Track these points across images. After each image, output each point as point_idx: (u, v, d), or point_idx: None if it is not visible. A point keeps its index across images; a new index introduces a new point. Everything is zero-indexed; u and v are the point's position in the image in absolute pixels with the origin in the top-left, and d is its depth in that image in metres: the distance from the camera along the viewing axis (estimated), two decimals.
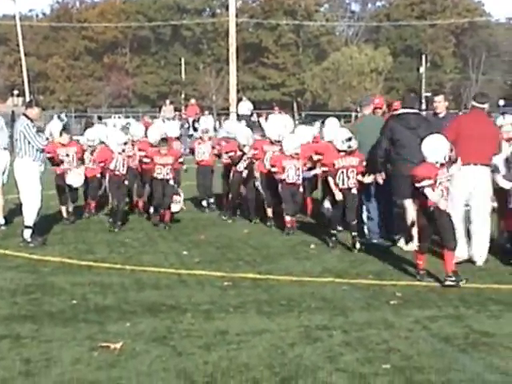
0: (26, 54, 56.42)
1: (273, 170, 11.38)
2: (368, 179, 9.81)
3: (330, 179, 9.96)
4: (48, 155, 11.47)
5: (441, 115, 10.17)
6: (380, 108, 11.11)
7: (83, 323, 6.72)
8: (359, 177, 9.90)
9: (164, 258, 10.02)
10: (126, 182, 12.18)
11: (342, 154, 9.86)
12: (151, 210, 12.52)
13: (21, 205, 10.96)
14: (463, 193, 8.74)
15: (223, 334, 6.45)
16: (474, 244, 9.09)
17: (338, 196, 9.83)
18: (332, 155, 10.36)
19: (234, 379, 5.30)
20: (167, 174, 11.75)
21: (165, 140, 12.42)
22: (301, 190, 11.39)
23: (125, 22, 77.37)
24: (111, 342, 6.00)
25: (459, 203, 8.69)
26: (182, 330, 6.52)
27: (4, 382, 5.07)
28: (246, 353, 5.92)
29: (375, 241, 10.32)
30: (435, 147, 7.70)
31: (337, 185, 9.86)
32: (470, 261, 9.20)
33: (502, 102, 48.78)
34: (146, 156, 12.22)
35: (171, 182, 11.74)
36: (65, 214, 12.31)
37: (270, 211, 12.01)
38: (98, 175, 12.58)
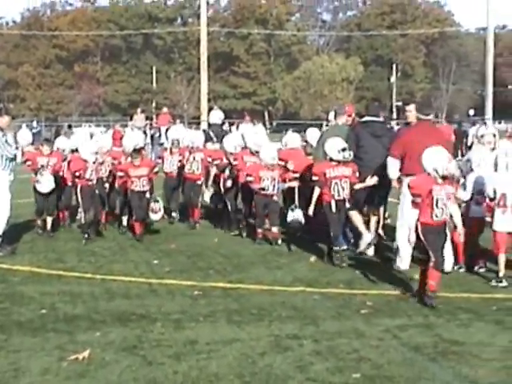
0: None
1: (248, 179, 11.44)
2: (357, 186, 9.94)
3: (317, 189, 9.94)
4: (28, 163, 11.87)
5: (412, 124, 10.33)
6: (350, 116, 11.28)
7: (52, 333, 6.75)
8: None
9: (134, 267, 10.08)
10: (97, 191, 12.12)
11: (334, 163, 9.86)
12: (124, 220, 12.61)
13: None
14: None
15: (193, 343, 6.50)
16: None
17: (310, 211, 9.93)
18: (302, 162, 10.59)
19: None
20: (143, 185, 11.89)
21: (137, 151, 12.47)
22: (275, 199, 11.47)
23: (96, 31, 77.50)
24: (80, 352, 5.99)
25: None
26: (152, 340, 6.57)
27: None
28: (216, 362, 5.96)
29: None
30: (433, 158, 7.74)
31: (322, 196, 9.91)
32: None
33: (471, 112, 49.63)
34: (120, 170, 12.30)
35: (147, 195, 11.90)
36: (39, 224, 12.32)
37: (276, 229, 11.90)
38: (70, 184, 12.63)
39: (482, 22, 52.88)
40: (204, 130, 18.60)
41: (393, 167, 9.27)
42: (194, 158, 13.02)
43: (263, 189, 11.20)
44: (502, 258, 8.67)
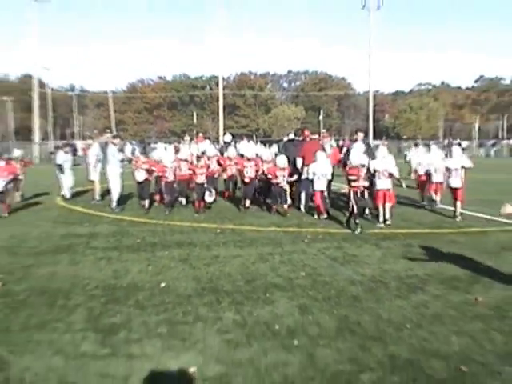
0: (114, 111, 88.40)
1: (269, 176, 16.35)
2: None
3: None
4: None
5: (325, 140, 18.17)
6: (306, 136, 17.74)
7: (143, 252, 11.14)
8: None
9: (185, 218, 15.47)
10: (175, 185, 17.44)
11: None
12: (183, 201, 18.24)
13: (109, 190, 17.56)
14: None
15: (216, 257, 10.53)
16: None
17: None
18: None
19: (222, 280, 8.79)
20: (203, 179, 16.66)
21: (199, 157, 17.94)
22: (285, 188, 16.18)
23: (164, 93, 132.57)
24: (159, 261, 10.19)
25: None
26: (194, 255, 10.72)
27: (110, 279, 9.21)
28: (229, 267, 9.68)
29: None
30: (357, 157, 13.68)
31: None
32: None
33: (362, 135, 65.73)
34: (189, 168, 17.22)
35: (205, 185, 16.58)
36: (147, 205, 17.52)
37: (248, 202, 17.06)
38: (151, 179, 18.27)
39: (366, 87, 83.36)
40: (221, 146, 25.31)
41: (299, 161, 16.18)
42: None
43: (278, 182, 16.03)
44: (380, 208, 14.26)
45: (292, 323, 6.93)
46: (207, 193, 16.47)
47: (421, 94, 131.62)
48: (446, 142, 72.39)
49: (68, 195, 20.76)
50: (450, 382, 5.30)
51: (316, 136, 19.26)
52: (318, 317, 7.17)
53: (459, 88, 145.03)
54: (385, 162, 14.30)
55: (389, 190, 14.29)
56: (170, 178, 16.93)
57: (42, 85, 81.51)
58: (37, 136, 65.40)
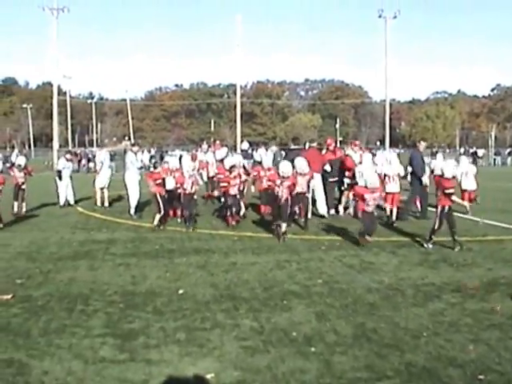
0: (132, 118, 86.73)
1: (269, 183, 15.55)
2: None
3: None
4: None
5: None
6: (329, 144, 18.36)
7: (161, 258, 11.32)
8: None
9: (203, 225, 15.41)
10: (195, 197, 15.77)
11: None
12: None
13: (128, 196, 17.80)
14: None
15: (234, 264, 10.66)
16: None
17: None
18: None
19: (239, 287, 8.93)
20: (237, 191, 15.97)
21: (232, 168, 16.51)
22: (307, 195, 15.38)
23: (182, 101, 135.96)
24: (177, 267, 10.34)
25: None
26: (212, 262, 10.87)
27: (122, 287, 9.12)
28: (246, 274, 9.86)
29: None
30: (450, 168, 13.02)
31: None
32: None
33: (378, 143, 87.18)
34: (223, 180, 16.29)
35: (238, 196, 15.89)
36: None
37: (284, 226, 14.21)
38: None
39: (382, 96, 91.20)
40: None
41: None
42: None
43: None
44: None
45: (309, 330, 6.95)
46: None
47: (437, 102, 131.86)
48: (462, 150, 72.49)
49: (62, 202, 21.05)
50: None
51: (314, 144, 19.45)
52: (334, 324, 7.19)
53: (476, 96, 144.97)
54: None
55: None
56: (189, 189, 15.25)
57: (61, 93, 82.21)
58: (56, 143, 65.93)
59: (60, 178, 21.01)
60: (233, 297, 8.50)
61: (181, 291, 8.81)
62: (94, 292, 8.81)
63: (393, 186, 16.41)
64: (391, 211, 16.26)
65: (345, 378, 5.58)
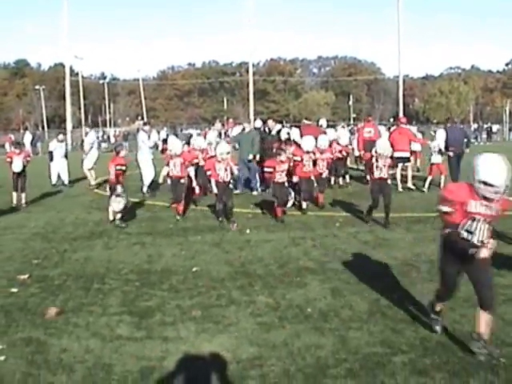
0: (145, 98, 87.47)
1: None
2: None
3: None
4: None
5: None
6: (402, 122, 19.20)
7: (176, 236, 11.41)
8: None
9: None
10: (231, 186, 13.14)
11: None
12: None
13: (141, 175, 17.59)
14: None
15: (248, 241, 10.75)
16: None
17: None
18: None
19: (254, 265, 9.03)
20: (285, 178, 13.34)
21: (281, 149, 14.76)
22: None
23: (194, 80, 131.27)
24: (192, 245, 10.42)
25: None
26: (227, 239, 10.96)
27: (138, 266, 9.22)
28: (261, 251, 9.95)
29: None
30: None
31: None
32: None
33: (392, 119, 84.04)
34: (268, 166, 13.46)
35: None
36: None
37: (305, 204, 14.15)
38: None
39: (396, 72, 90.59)
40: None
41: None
42: None
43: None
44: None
45: (324, 306, 7.00)
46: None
47: (451, 77, 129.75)
48: (476, 125, 71.95)
49: (53, 181, 21.31)
50: (482, 364, 5.32)
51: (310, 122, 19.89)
52: (349, 300, 7.24)
53: (490, 71, 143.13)
54: None
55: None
56: (223, 176, 12.53)
57: (73, 73, 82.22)
58: (69, 124, 66.05)
59: (51, 159, 21.23)
60: (248, 274, 8.57)
61: (196, 269, 8.89)
62: (110, 271, 8.92)
63: (436, 157, 17.97)
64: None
65: (360, 353, 5.61)
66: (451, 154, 17.80)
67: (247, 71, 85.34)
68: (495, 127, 73.35)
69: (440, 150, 18.00)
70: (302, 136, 16.10)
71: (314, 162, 14.25)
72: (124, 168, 13.12)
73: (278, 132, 17.84)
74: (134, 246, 10.65)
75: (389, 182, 12.43)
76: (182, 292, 7.76)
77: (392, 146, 16.08)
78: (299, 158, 13.97)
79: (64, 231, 12.35)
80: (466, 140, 18.44)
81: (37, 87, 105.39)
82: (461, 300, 7.03)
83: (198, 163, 15.90)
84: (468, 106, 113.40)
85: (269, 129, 18.51)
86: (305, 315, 6.69)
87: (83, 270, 9.07)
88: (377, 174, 12.15)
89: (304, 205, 14.02)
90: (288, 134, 17.32)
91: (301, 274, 8.51)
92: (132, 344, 5.94)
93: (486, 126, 71.62)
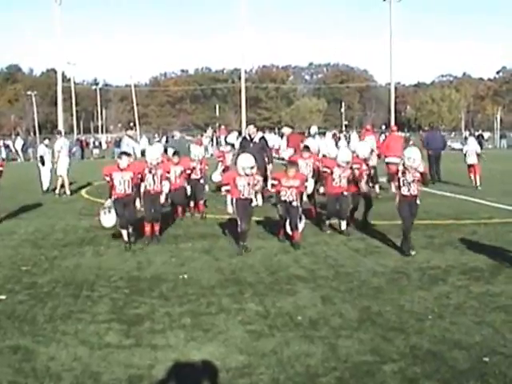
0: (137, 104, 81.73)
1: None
2: None
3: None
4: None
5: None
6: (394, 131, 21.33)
7: (166, 243, 11.35)
8: None
9: (208, 210, 15.23)
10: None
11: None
12: None
13: None
14: None
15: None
16: None
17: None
18: None
19: (245, 272, 8.98)
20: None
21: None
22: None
23: (187, 86, 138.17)
24: (183, 252, 10.39)
25: None
26: (218, 247, 10.92)
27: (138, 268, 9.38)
28: (252, 259, 9.92)
29: None
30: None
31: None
32: None
33: (383, 126, 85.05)
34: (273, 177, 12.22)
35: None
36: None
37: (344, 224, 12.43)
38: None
39: (388, 79, 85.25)
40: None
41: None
42: None
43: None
44: None
45: (314, 314, 6.97)
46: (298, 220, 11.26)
47: (442, 85, 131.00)
48: (468, 133, 72.32)
49: (45, 187, 21.06)
50: (472, 373, 5.30)
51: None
52: (340, 308, 7.20)
53: (481, 79, 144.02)
54: None
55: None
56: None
57: (66, 79, 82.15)
58: (61, 130, 66.13)
59: (43, 164, 21.03)
60: (238, 281, 8.54)
61: (186, 276, 8.84)
62: (100, 278, 8.86)
63: (472, 159, 20.25)
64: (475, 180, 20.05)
65: (350, 361, 5.58)
66: (431, 152, 21.77)
67: (239, 78, 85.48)
68: (486, 134, 73.73)
69: (476, 152, 20.46)
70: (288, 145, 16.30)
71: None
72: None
73: (261, 139, 16.92)
74: (124, 253, 10.60)
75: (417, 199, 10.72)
76: (171, 299, 7.71)
77: (386, 151, 16.69)
78: (329, 170, 12.35)
79: (54, 238, 12.29)
80: (442, 144, 23.32)
81: (29, 93, 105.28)
82: (451, 308, 7.03)
83: (190, 175, 14.70)
84: (459, 114, 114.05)
85: (249, 135, 17.02)
86: (295, 323, 6.66)
87: (73, 277, 9.00)
88: (404, 191, 10.55)
89: (343, 225, 12.26)
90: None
91: (291, 281, 8.47)
92: (120, 352, 5.90)
93: (477, 133, 71.97)
